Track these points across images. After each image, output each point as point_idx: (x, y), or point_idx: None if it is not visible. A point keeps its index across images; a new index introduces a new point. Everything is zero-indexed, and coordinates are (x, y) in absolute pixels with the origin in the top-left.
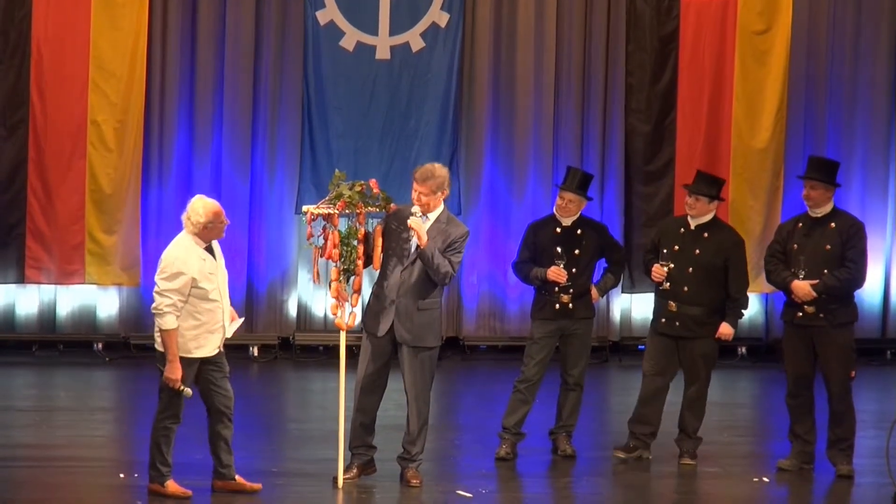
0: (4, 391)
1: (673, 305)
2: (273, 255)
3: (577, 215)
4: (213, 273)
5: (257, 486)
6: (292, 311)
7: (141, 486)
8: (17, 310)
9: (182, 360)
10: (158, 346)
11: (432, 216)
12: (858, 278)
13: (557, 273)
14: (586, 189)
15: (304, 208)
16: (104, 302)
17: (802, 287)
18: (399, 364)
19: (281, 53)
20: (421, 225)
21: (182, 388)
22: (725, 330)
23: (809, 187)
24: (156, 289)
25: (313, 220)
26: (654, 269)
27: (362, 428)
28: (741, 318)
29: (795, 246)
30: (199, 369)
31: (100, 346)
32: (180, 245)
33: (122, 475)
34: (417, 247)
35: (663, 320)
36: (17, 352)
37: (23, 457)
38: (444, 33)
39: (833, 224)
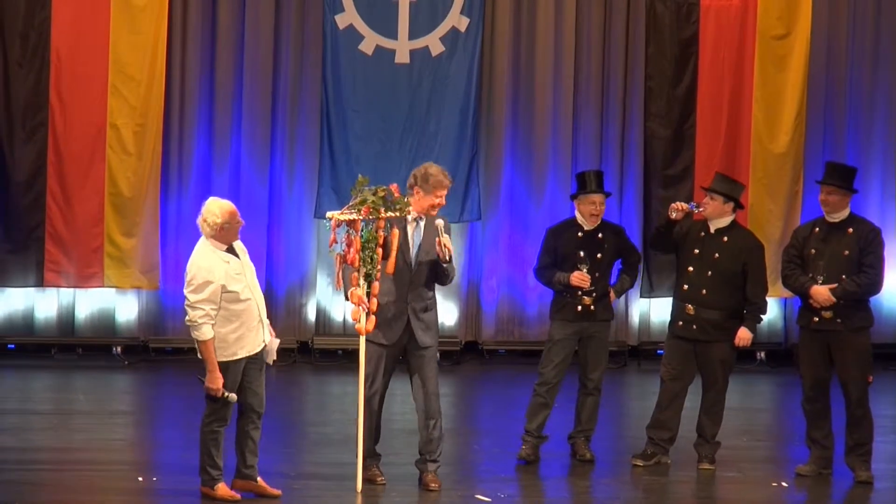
0: (23, 394)
1: (691, 309)
2: (292, 259)
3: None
4: (240, 273)
5: (277, 491)
6: (311, 315)
7: (160, 491)
8: (36, 313)
9: (230, 363)
10: (200, 355)
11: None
12: (877, 283)
13: (581, 278)
14: (603, 187)
15: (329, 214)
16: (123, 305)
17: (822, 292)
18: (409, 368)
19: (300, 57)
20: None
21: (226, 394)
22: (744, 335)
23: (827, 193)
24: (186, 302)
25: (338, 226)
26: (676, 203)
27: (372, 435)
28: (760, 322)
29: (813, 251)
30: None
31: (119, 349)
32: (201, 254)
33: (140, 478)
34: (439, 259)
35: (681, 323)
36: (36, 355)
37: (41, 460)
38: (464, 37)
39: (851, 229)
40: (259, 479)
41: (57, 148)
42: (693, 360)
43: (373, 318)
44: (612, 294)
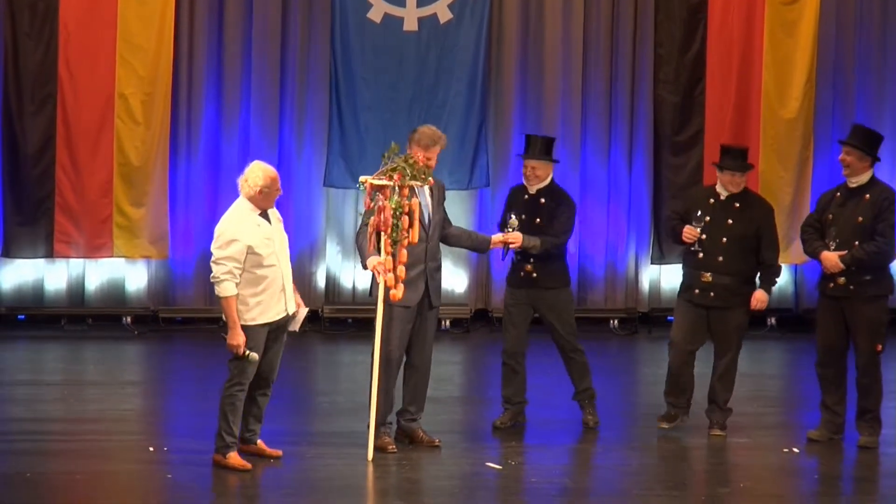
0: (34, 365)
1: (708, 276)
2: (301, 227)
3: (546, 182)
4: (270, 238)
5: (278, 452)
6: (321, 283)
7: (171, 460)
8: (46, 284)
9: (249, 328)
10: (224, 317)
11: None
12: (888, 252)
13: (503, 238)
14: (550, 153)
15: (362, 178)
16: (133, 275)
17: (830, 258)
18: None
19: (308, 25)
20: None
21: (247, 353)
22: (762, 297)
23: (845, 152)
24: (212, 259)
25: (373, 191)
26: (685, 230)
27: (389, 400)
28: (775, 285)
29: (830, 216)
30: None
31: (128, 319)
32: (234, 213)
33: (151, 448)
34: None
35: (697, 291)
36: (46, 326)
37: (52, 430)
38: (472, 5)
39: (868, 196)
40: (259, 441)
41: (66, 119)
42: (704, 326)
43: (401, 285)
44: (515, 235)
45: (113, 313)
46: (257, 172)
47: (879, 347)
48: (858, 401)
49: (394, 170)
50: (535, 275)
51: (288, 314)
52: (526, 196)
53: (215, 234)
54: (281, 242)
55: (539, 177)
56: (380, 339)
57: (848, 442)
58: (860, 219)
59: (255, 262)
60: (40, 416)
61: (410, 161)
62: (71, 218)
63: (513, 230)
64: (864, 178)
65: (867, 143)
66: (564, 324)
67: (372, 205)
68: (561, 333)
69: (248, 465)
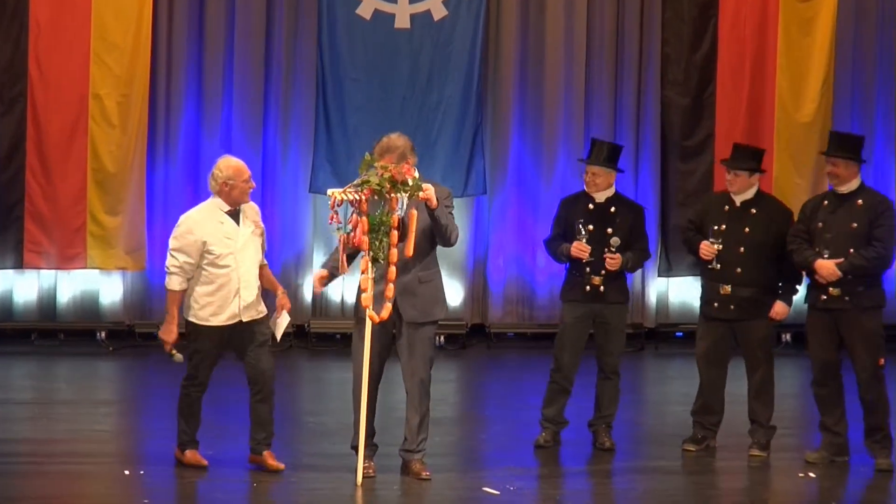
0: (2, 383)
1: (727, 288)
2: (287, 236)
3: (612, 191)
4: (231, 238)
5: (280, 465)
6: (307, 296)
7: (147, 482)
8: (15, 297)
9: (201, 327)
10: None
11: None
12: (886, 258)
13: (579, 248)
14: (615, 161)
15: (329, 192)
16: (107, 288)
17: (827, 266)
18: (399, 347)
19: (294, 22)
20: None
21: (173, 351)
22: (781, 309)
23: (832, 165)
24: (168, 248)
25: (339, 205)
26: (702, 246)
27: (370, 421)
28: (797, 294)
29: (820, 224)
30: (229, 338)
31: (103, 334)
32: (200, 207)
33: (126, 471)
34: (430, 211)
35: (716, 304)
36: (16, 341)
37: (22, 452)
38: (468, 0)
39: (860, 201)
40: (265, 452)
41: (36, 121)
42: (730, 341)
43: (388, 305)
44: (616, 256)
45: (86, 328)
46: (220, 165)
47: (882, 361)
48: (865, 419)
49: (365, 183)
50: (601, 288)
51: (241, 321)
52: (591, 205)
53: (176, 223)
54: (246, 246)
55: (598, 184)
56: (368, 355)
57: (858, 464)
58: (854, 225)
59: (208, 259)
60: (9, 437)
61: (385, 175)
62: (42, 226)
63: (614, 249)
64: (854, 184)
65: (852, 150)
66: (619, 342)
67: (343, 223)
68: (611, 351)
69: (204, 462)
